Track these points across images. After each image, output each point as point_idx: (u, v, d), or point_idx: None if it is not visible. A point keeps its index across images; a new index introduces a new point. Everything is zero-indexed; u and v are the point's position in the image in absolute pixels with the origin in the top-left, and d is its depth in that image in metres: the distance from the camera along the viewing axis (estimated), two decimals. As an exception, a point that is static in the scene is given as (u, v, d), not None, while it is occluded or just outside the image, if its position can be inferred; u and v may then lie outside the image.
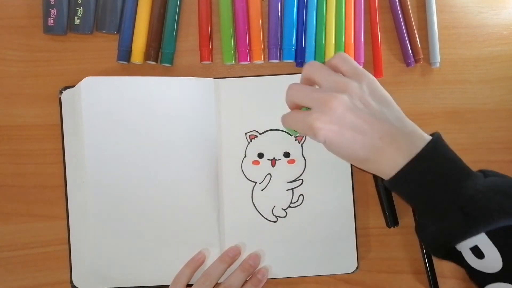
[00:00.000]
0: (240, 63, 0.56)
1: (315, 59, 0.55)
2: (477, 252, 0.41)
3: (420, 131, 0.44)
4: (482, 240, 0.40)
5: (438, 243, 0.42)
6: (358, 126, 0.42)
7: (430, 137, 0.43)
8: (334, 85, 0.43)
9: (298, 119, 0.44)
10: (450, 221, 0.41)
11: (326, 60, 0.47)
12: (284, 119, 0.47)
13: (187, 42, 0.56)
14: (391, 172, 0.42)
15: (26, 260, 0.55)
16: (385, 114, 0.43)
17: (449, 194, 0.41)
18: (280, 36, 0.55)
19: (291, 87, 0.46)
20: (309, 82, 0.46)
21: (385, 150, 0.42)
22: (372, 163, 0.43)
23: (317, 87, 0.46)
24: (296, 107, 0.47)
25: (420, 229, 0.44)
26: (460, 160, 0.43)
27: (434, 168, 0.41)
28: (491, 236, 0.40)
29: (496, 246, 0.40)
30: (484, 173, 0.43)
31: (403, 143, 0.42)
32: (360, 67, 0.45)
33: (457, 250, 0.43)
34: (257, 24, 0.55)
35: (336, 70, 0.45)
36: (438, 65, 0.56)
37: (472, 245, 0.41)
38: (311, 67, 0.45)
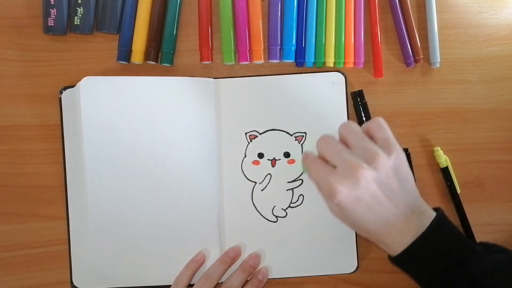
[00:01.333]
0: (240, 63, 0.56)
1: (315, 59, 0.55)
2: None
3: (428, 208, 0.44)
4: None
5: None
6: (376, 200, 0.43)
7: (434, 215, 0.43)
8: (364, 152, 0.43)
9: (321, 173, 0.44)
10: None
11: (364, 124, 0.47)
12: (307, 163, 0.47)
13: (187, 42, 0.56)
14: (398, 249, 0.43)
15: (26, 260, 0.55)
16: (403, 193, 0.44)
17: (452, 274, 0.42)
18: (280, 36, 0.55)
19: (324, 138, 0.46)
20: (343, 139, 0.47)
21: (395, 228, 0.43)
22: (380, 237, 0.44)
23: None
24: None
25: None
26: (462, 237, 0.44)
27: (438, 247, 0.42)
28: None
29: None
30: (487, 247, 0.44)
31: (412, 222, 0.43)
32: (393, 139, 0.45)
33: None
34: (257, 24, 0.55)
35: (370, 135, 0.46)
36: (438, 65, 0.56)
37: None
38: (346, 128, 0.46)
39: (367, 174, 0.42)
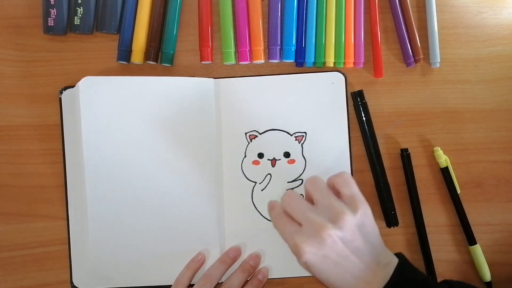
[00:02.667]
0: (240, 63, 0.56)
1: (315, 59, 0.55)
2: None
3: (393, 257, 0.45)
4: None
5: None
6: (342, 257, 0.43)
7: (397, 262, 0.44)
8: (329, 210, 0.44)
9: (286, 231, 0.45)
10: None
11: (329, 177, 0.47)
12: (273, 217, 0.48)
13: (187, 42, 0.56)
14: None
15: (26, 260, 0.55)
16: (368, 247, 0.44)
17: None
18: (280, 36, 0.55)
19: (288, 194, 0.47)
20: (308, 195, 0.47)
21: (363, 281, 0.44)
22: None
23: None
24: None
25: None
26: (426, 280, 0.45)
27: None
28: None
29: None
30: (450, 285, 0.45)
31: (378, 274, 0.44)
32: (359, 195, 0.45)
33: None
34: (257, 24, 0.55)
35: (335, 190, 0.46)
36: (438, 65, 0.56)
37: None
38: (312, 183, 0.46)
39: (332, 234, 0.42)
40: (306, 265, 0.44)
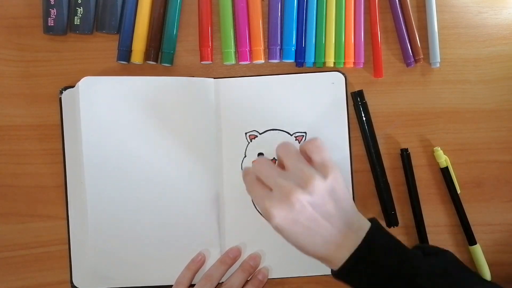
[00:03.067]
0: (240, 63, 0.56)
1: (315, 59, 0.55)
2: None
3: (366, 222, 0.45)
4: None
5: None
6: (312, 221, 0.43)
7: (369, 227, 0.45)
8: (299, 174, 0.44)
9: (257, 196, 0.45)
10: None
11: (301, 143, 0.47)
12: (246, 182, 0.48)
13: (187, 42, 0.56)
14: (338, 264, 0.44)
15: (26, 260, 0.55)
16: (339, 212, 0.44)
17: (391, 282, 0.43)
18: (280, 36, 0.55)
19: (259, 161, 0.47)
20: (280, 160, 0.47)
21: (334, 245, 0.44)
22: (320, 254, 0.45)
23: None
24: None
25: None
26: (397, 244, 0.45)
27: (375, 257, 0.43)
28: None
29: None
30: (423, 250, 0.46)
31: (350, 238, 0.44)
32: (330, 161, 0.45)
33: None
34: (257, 24, 0.55)
35: (307, 156, 0.46)
36: (438, 65, 0.56)
37: None
38: (283, 148, 0.46)
39: (302, 198, 0.43)
40: (277, 229, 0.44)
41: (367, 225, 0.45)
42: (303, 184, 0.43)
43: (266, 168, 0.46)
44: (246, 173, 0.48)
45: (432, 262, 0.44)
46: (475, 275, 0.44)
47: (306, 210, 0.43)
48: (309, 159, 0.46)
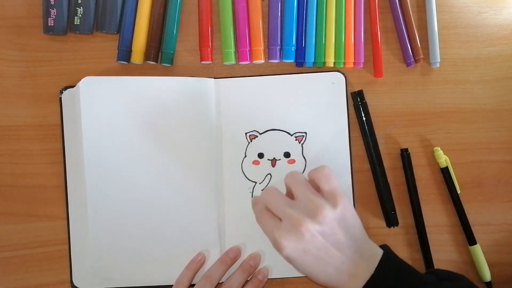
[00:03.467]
0: (240, 63, 0.56)
1: (315, 59, 0.55)
2: None
3: (377, 249, 0.45)
4: None
5: None
6: (323, 251, 0.43)
7: (381, 254, 0.44)
8: (309, 204, 0.44)
9: (267, 226, 0.45)
10: None
11: (309, 171, 0.47)
12: (255, 213, 0.48)
13: (187, 42, 0.56)
14: None
15: (26, 260, 0.55)
16: (350, 241, 0.44)
17: None
18: (280, 36, 0.55)
19: (267, 191, 0.47)
20: (288, 189, 0.47)
21: (346, 274, 0.44)
22: (332, 284, 0.44)
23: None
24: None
25: None
26: (412, 271, 0.44)
27: (389, 286, 0.43)
28: None
29: None
30: (437, 275, 0.45)
31: (362, 266, 0.44)
32: (339, 189, 0.45)
33: None
34: (257, 24, 0.55)
35: (315, 185, 0.46)
36: (438, 65, 0.56)
37: None
38: (292, 178, 0.46)
39: (312, 228, 0.42)
40: (287, 259, 0.44)
41: (379, 252, 0.45)
42: (312, 214, 0.43)
43: (275, 197, 0.46)
44: (255, 202, 0.48)
45: (446, 287, 0.44)
46: None
47: (316, 240, 0.43)
48: (317, 188, 0.46)
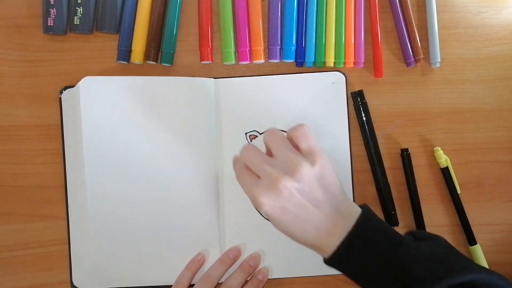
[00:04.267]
0: (240, 63, 0.56)
1: (315, 59, 0.55)
2: None
3: (356, 208, 0.45)
4: None
5: None
6: (301, 209, 0.43)
7: (360, 213, 0.44)
8: (287, 162, 0.44)
9: (245, 184, 0.45)
10: None
11: (288, 130, 0.47)
12: (235, 171, 0.47)
13: (187, 42, 0.56)
14: (329, 251, 0.44)
15: (26, 260, 0.55)
16: (328, 198, 0.44)
17: (384, 267, 0.42)
18: (280, 36, 0.55)
19: (246, 148, 0.46)
20: (267, 147, 0.47)
21: (324, 232, 0.44)
22: (311, 242, 0.45)
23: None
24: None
25: None
26: (389, 230, 0.44)
27: (366, 243, 0.43)
28: None
29: None
30: (414, 235, 0.45)
31: (340, 224, 0.44)
32: (318, 147, 0.45)
33: None
34: (257, 24, 0.55)
35: (294, 143, 0.46)
36: (438, 65, 0.56)
37: None
38: (271, 136, 0.46)
39: (289, 185, 0.42)
40: (267, 216, 0.44)
41: (357, 211, 0.45)
42: (291, 172, 0.43)
43: (254, 155, 0.45)
44: (235, 161, 0.48)
45: (424, 247, 0.44)
46: (467, 259, 0.44)
47: (294, 197, 0.43)
48: (296, 147, 0.46)
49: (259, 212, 0.45)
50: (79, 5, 0.54)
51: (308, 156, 0.44)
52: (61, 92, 0.54)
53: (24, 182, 0.55)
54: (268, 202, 0.43)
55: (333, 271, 0.54)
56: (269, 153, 0.46)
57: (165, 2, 0.55)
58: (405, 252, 0.43)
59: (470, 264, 0.43)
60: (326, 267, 0.54)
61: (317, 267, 0.54)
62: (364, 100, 0.55)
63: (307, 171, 0.43)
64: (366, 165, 0.56)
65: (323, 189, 0.44)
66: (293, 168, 0.43)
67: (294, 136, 0.46)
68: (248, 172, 0.45)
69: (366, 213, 0.44)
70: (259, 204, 0.43)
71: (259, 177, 0.44)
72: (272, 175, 0.43)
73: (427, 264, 0.42)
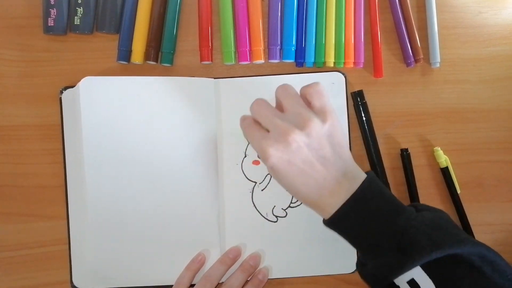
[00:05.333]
0: (240, 63, 0.56)
1: (315, 59, 0.55)
2: (414, 285, 0.42)
3: (361, 174, 0.45)
4: (417, 273, 0.42)
5: (377, 279, 0.44)
6: (307, 164, 0.43)
7: (365, 177, 0.44)
8: (297, 117, 0.43)
9: (254, 137, 0.45)
10: (386, 257, 0.42)
11: (302, 87, 0.47)
12: (242, 126, 0.47)
13: (187, 42, 0.56)
14: (330, 211, 0.44)
15: (26, 260, 0.55)
16: (335, 158, 0.44)
17: (383, 232, 0.43)
18: (280, 36, 0.55)
19: (257, 102, 0.46)
20: (278, 102, 0.47)
21: (327, 191, 0.44)
22: (312, 199, 0.45)
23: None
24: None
25: (360, 266, 0.46)
26: (392, 197, 0.45)
27: (368, 206, 0.43)
28: (426, 269, 0.41)
29: (430, 278, 0.41)
30: (416, 207, 0.45)
31: (344, 186, 0.44)
32: (330, 106, 0.45)
33: (396, 285, 0.43)
34: (257, 24, 0.55)
35: (306, 100, 0.46)
36: (438, 65, 0.56)
37: (408, 278, 0.42)
38: (283, 91, 0.46)
39: (298, 139, 0.42)
40: (272, 171, 0.44)
41: (362, 175, 0.45)
42: (301, 126, 0.43)
43: (264, 109, 0.45)
44: (243, 118, 0.48)
45: (426, 215, 0.44)
46: (465, 233, 0.44)
47: (302, 151, 0.43)
48: (308, 104, 0.45)
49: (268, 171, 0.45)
50: (79, 5, 0.54)
51: (320, 114, 0.44)
52: (61, 92, 0.54)
53: (24, 182, 0.55)
54: (276, 153, 0.42)
55: (332, 271, 0.54)
56: (280, 108, 0.46)
57: (165, 2, 0.55)
58: (406, 219, 0.43)
59: (467, 237, 0.43)
60: (326, 267, 0.54)
61: (317, 267, 0.54)
62: (364, 100, 0.55)
63: (317, 127, 0.43)
64: (366, 165, 0.56)
65: (331, 148, 0.44)
66: (304, 122, 0.43)
67: (308, 93, 0.45)
68: (257, 126, 0.45)
69: (371, 178, 0.44)
70: (267, 155, 0.42)
71: (268, 131, 0.44)
72: (282, 128, 0.43)
73: (427, 231, 0.42)
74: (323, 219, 0.46)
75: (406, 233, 0.42)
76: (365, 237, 0.44)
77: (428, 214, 0.44)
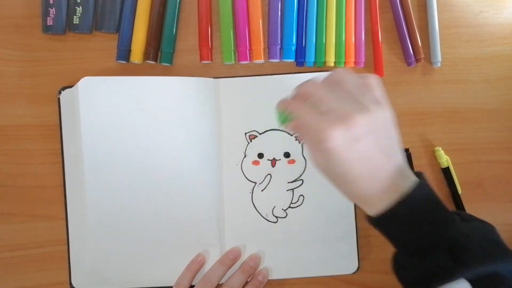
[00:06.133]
0: (240, 62, 0.55)
1: (315, 59, 0.55)
2: None
3: (411, 173, 0.42)
4: (462, 286, 0.39)
5: (417, 283, 0.41)
6: (369, 152, 0.39)
7: (417, 178, 0.41)
8: (359, 100, 0.39)
9: (311, 116, 0.40)
10: (436, 261, 0.40)
11: (359, 75, 0.42)
12: (291, 107, 0.42)
13: (187, 41, 0.56)
14: (380, 207, 0.40)
15: (26, 260, 0.55)
16: (394, 151, 0.41)
17: (436, 236, 0.40)
18: (280, 36, 0.55)
19: (309, 83, 0.41)
20: (333, 84, 0.42)
21: (380, 185, 0.40)
22: (362, 192, 0.41)
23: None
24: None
25: (398, 268, 0.43)
26: (442, 202, 0.42)
27: (422, 209, 0.40)
28: (474, 283, 0.39)
29: None
30: (461, 216, 0.43)
31: (397, 183, 0.40)
32: (387, 99, 0.42)
33: None
34: (257, 24, 0.55)
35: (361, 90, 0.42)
36: (439, 64, 0.56)
37: None
38: (341, 74, 0.41)
39: (364, 123, 0.38)
40: (325, 156, 0.39)
41: (413, 176, 0.41)
42: (364, 110, 0.38)
43: (320, 89, 0.40)
44: (284, 100, 0.43)
45: (475, 224, 0.42)
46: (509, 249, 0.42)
47: (366, 136, 0.38)
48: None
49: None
50: (78, 4, 0.53)
51: (382, 103, 0.41)
52: (59, 92, 0.54)
53: (24, 182, 0.55)
54: (337, 134, 0.37)
55: (333, 272, 0.54)
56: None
57: (165, 1, 0.54)
58: (458, 226, 0.40)
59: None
60: (326, 267, 0.54)
61: (317, 268, 0.54)
62: (365, 100, 0.55)
63: (381, 114, 0.39)
64: (366, 165, 0.55)
65: (390, 139, 0.40)
66: (367, 107, 0.39)
67: (367, 83, 0.41)
68: (310, 108, 0.40)
69: (426, 182, 0.41)
70: (327, 136, 0.37)
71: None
72: (344, 109, 0.38)
73: (479, 240, 0.40)
74: (368, 216, 0.42)
75: (459, 240, 0.39)
76: (413, 239, 0.40)
77: (477, 224, 0.42)
